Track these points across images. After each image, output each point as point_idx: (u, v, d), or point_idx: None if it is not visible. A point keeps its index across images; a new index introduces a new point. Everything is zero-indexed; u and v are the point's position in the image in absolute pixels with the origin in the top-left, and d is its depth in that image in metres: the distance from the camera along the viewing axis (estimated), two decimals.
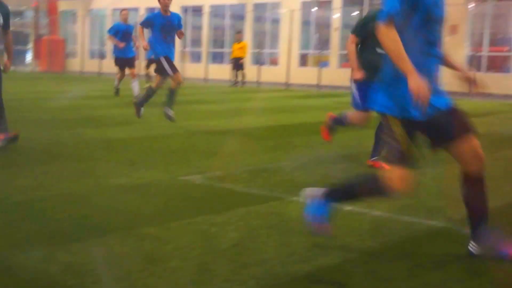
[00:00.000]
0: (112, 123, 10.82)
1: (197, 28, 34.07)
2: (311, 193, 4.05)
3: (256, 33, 31.10)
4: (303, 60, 30.07)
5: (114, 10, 36.78)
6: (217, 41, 33.86)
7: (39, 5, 38.47)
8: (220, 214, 4.83)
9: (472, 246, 3.87)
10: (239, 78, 25.59)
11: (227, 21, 32.92)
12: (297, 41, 29.09)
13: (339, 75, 26.77)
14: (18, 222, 4.51)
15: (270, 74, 27.87)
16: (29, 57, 39.98)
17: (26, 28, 40.31)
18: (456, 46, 24.71)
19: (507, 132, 11.38)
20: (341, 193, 4.03)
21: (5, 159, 7.11)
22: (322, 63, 26.62)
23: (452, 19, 24.88)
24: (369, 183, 3.92)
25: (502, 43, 24.46)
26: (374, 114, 4.71)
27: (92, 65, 34.15)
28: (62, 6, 37.50)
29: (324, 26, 28.58)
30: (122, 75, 16.58)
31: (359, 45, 6.97)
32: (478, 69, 22.79)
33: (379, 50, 6.33)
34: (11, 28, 7.65)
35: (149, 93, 10.58)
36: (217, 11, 33.19)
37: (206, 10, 32.64)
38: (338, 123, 7.49)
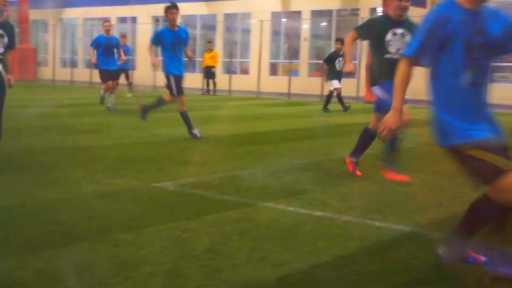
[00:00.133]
0: (84, 131, 10.79)
1: None
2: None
3: (227, 42, 31.21)
4: (273, 69, 30.32)
5: (85, 19, 36.70)
6: None
7: (9, 14, 38.06)
8: (192, 220, 4.87)
9: (442, 250, 3.87)
10: (211, 87, 25.66)
11: (199, 31, 33.01)
12: (267, 51, 29.27)
13: (309, 84, 27.03)
14: None
15: (241, 83, 27.95)
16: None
17: None
18: None
19: None
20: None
21: None
22: (292, 72, 26.79)
23: None
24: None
25: None
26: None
27: (63, 74, 33.90)
28: (33, 16, 37.16)
29: (293, 36, 28.77)
30: (108, 86, 16.08)
31: (371, 50, 7.03)
32: None
33: (386, 56, 6.54)
34: None
35: (159, 103, 10.51)
36: (188, 21, 33.26)
37: (177, 20, 32.63)
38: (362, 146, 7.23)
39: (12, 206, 5.22)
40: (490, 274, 3.80)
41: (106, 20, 16.55)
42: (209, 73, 25.71)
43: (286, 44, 30.25)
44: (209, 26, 32.38)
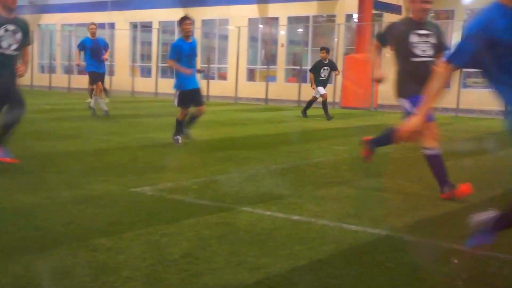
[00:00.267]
0: (63, 136, 10.74)
1: (147, 44, 34.22)
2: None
3: (205, 48, 31.22)
4: (251, 75, 30.46)
5: (63, 25, 36.52)
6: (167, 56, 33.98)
7: None
8: (171, 225, 4.89)
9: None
10: None
11: (176, 37, 32.95)
12: (245, 57, 29.40)
13: (286, 89, 27.17)
14: None
15: (219, 88, 27.99)
16: None
17: None
18: None
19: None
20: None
21: None
22: (269, 78, 26.89)
23: None
24: None
25: None
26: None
27: (42, 79, 33.68)
28: None
29: (270, 42, 28.88)
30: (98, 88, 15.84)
31: (395, 56, 6.54)
32: None
33: (413, 59, 6.33)
34: None
35: (191, 119, 10.34)
36: (166, 27, 33.27)
37: (155, 26, 32.65)
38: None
39: None
40: (463, 276, 3.89)
41: (92, 22, 16.47)
42: None
43: (263, 50, 30.38)
44: None
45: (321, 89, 16.88)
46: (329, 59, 17.17)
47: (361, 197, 6.30)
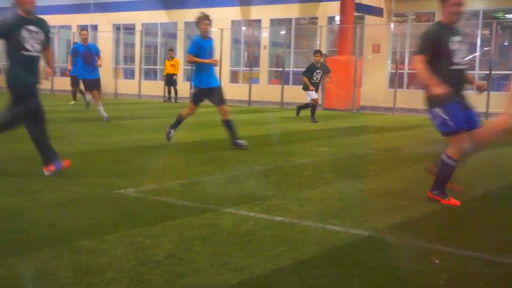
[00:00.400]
0: None
1: (130, 46, 34.16)
2: None
3: (187, 50, 31.25)
4: (234, 77, 30.51)
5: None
6: (150, 58, 33.98)
7: None
8: (154, 226, 4.90)
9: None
10: (172, 94, 25.70)
11: (160, 39, 32.98)
12: (228, 59, 29.44)
13: (268, 91, 27.22)
14: None
15: None
16: None
17: None
18: (379, 64, 25.45)
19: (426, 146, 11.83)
20: None
21: None
22: (252, 79, 26.93)
23: (375, 39, 25.64)
24: None
25: None
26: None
27: None
28: None
29: (253, 44, 28.93)
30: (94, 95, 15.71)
31: (430, 62, 6.01)
32: (400, 85, 23.42)
33: (452, 67, 6.00)
34: None
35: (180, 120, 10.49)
36: (149, 29, 33.22)
37: (138, 28, 32.58)
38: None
39: None
40: (445, 277, 3.94)
41: (83, 28, 16.40)
42: (170, 80, 25.82)
43: (246, 52, 30.42)
44: (170, 34, 32.41)
45: (312, 94, 16.97)
46: (321, 63, 17.31)
47: (344, 198, 6.34)
